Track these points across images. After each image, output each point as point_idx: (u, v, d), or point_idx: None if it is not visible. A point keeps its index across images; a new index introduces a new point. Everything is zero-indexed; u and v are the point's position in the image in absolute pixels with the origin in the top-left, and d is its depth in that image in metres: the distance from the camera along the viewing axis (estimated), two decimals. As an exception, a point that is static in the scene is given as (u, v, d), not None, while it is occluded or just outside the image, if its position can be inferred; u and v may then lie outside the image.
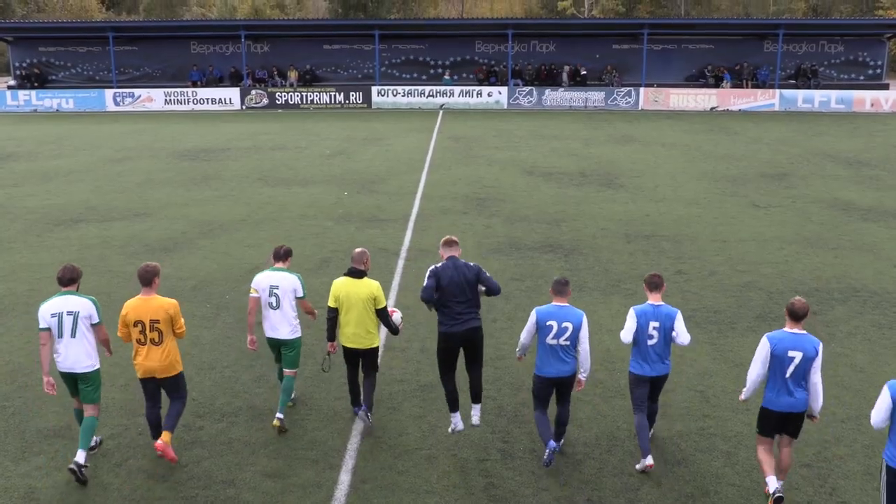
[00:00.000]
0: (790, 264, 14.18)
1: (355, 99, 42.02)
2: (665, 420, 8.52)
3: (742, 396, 7.29)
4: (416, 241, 15.75)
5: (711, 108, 40.89)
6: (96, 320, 7.65)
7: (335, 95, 42.06)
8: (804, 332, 6.97)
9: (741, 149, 27.84)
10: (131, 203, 19.31)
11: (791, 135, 31.61)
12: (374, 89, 42.11)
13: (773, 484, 6.91)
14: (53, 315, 7.56)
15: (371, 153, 26.71)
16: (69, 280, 7.68)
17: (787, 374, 6.92)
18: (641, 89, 41.40)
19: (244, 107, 41.92)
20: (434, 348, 10.16)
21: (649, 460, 7.47)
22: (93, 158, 26.17)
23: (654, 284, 7.78)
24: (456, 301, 7.88)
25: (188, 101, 42.02)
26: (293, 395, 8.85)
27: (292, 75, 43.43)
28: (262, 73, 43.84)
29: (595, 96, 41.57)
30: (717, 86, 42.43)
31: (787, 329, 6.99)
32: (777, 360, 6.92)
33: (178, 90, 42.24)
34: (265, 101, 41.98)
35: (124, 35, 44.67)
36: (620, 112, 40.07)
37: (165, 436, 7.65)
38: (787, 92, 41.02)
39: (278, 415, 8.38)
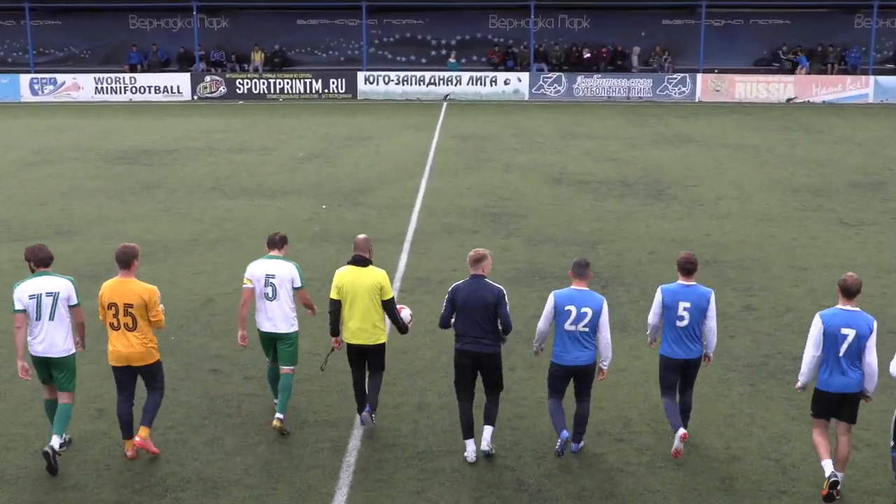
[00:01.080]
0: (889, 297, 14.18)
1: (337, 87, 42.32)
2: (731, 497, 8.50)
3: (798, 384, 8.66)
4: (413, 267, 15.79)
5: (788, 100, 41.09)
6: (74, 301, 8.98)
7: (311, 83, 42.37)
8: (857, 308, 8.32)
9: (826, 151, 27.93)
10: (52, 218, 19.40)
11: (890, 134, 31.72)
12: (361, 75, 42.42)
13: (828, 468, 8.14)
14: (32, 296, 8.83)
15: (356, 156, 26.85)
16: (47, 259, 9.06)
17: (841, 353, 8.21)
18: (699, 76, 41.64)
19: (196, 97, 42.24)
20: (434, 403, 10.24)
21: (680, 444, 8.84)
22: (3, 161, 26.35)
23: (687, 268, 9.25)
24: (469, 324, 9.04)
25: (125, 90, 42.36)
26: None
27: (257, 58, 43.78)
28: (219, 54, 44.20)
29: (640, 85, 41.80)
30: (794, 71, 42.65)
31: (839, 306, 8.35)
32: (830, 339, 8.22)
33: (113, 76, 42.59)
34: (223, 89, 42.29)
35: (44, 6, 45.04)
36: (672, 104, 40.28)
37: (143, 431, 8.94)
38: (885, 79, 41.23)
39: (278, 415, 9.56)
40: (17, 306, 8.86)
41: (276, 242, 9.92)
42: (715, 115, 36.73)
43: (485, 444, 9.11)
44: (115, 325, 8.89)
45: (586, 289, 9.03)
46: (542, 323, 9.14)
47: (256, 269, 9.77)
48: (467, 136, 30.50)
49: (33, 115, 36.90)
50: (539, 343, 9.34)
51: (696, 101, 41.24)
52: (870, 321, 8.26)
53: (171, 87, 42.41)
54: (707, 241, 17.38)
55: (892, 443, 8.29)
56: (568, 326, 8.89)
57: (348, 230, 18.13)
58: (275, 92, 42.35)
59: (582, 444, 9.29)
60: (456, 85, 42.24)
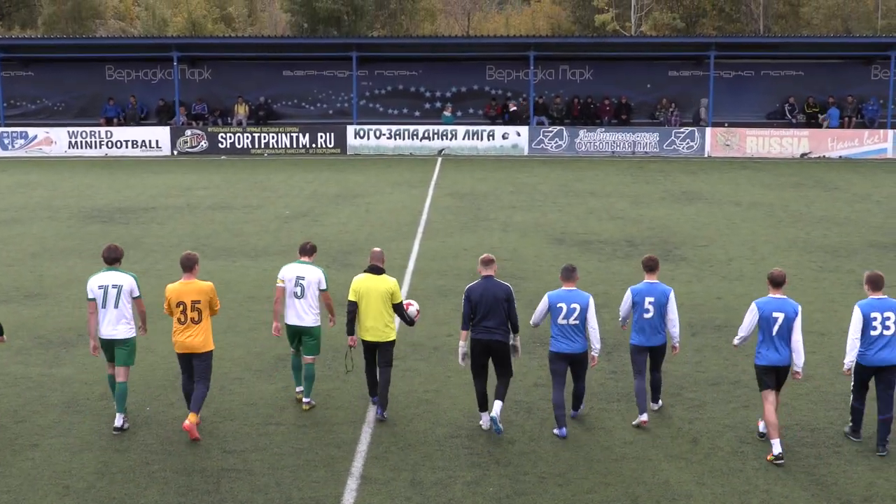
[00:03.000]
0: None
1: (325, 142, 42.64)
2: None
3: (735, 341, 11.73)
4: (406, 331, 15.77)
5: (803, 155, 41.45)
6: (136, 294, 11.79)
7: (298, 137, 42.69)
8: (785, 296, 11.22)
9: (844, 209, 28.13)
10: (21, 280, 19.43)
11: (910, 190, 31.95)
12: (351, 129, 42.77)
13: (777, 448, 10.83)
14: (100, 287, 11.66)
15: (345, 215, 26.98)
16: (114, 259, 11.84)
17: (774, 333, 11.08)
18: (708, 129, 42.05)
19: (176, 152, 42.51)
20: (430, 479, 10.34)
21: (644, 418, 11.76)
22: (-30, 220, 26.38)
23: (650, 266, 12.10)
24: (486, 317, 11.51)
25: (101, 144, 42.65)
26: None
27: (241, 110, 44.14)
28: (201, 107, 44.56)
29: (646, 139, 42.19)
30: (810, 124, 43.05)
31: (770, 295, 11.25)
32: (764, 321, 11.13)
33: (88, 130, 42.91)
34: (204, 144, 42.59)
35: (16, 56, 45.53)
36: (680, 160, 40.61)
37: (192, 417, 11.34)
38: (904, 133, 41.62)
39: (305, 399, 12.30)
40: (89, 295, 11.76)
41: (308, 250, 12.72)
42: (725, 170, 37.02)
43: (494, 411, 11.45)
44: (183, 319, 11.50)
45: (574, 288, 11.74)
46: (536, 316, 11.90)
47: (288, 272, 12.46)
48: (463, 194, 30.69)
49: (2, 171, 37.04)
50: (535, 324, 12.06)
51: (706, 155, 41.58)
52: (795, 306, 11.18)
53: (150, 142, 42.70)
54: (718, 305, 17.43)
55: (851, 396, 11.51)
56: (560, 321, 11.56)
57: (337, 293, 18.10)
58: (259, 147, 42.64)
59: (581, 408, 12.15)
60: (451, 139, 42.58)
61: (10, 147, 42.59)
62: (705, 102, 43.23)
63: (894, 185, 33.07)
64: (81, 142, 42.64)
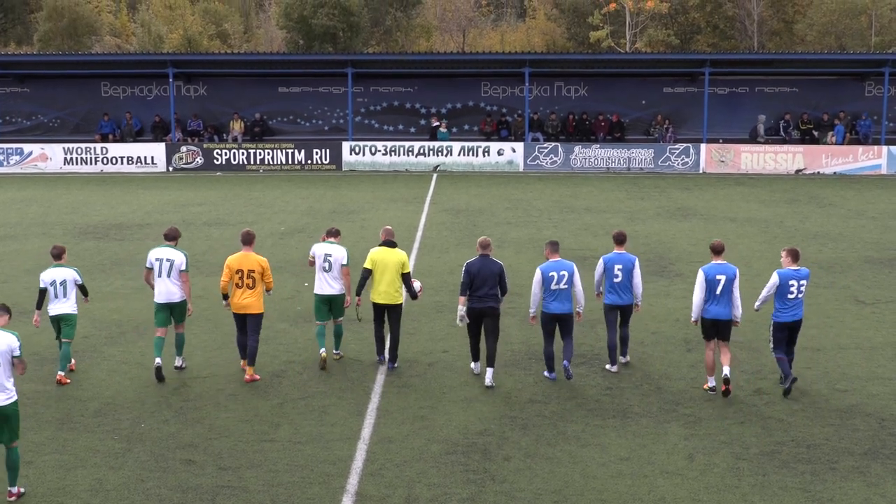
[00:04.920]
0: (909, 381, 14.23)
1: (320, 158, 42.71)
2: None
3: (692, 319, 13.95)
4: (401, 348, 15.77)
5: (797, 171, 41.57)
6: (183, 268, 14.48)
7: (293, 153, 42.76)
8: (725, 262, 13.82)
9: (838, 225, 28.19)
10: (15, 296, 19.38)
11: (905, 206, 32.03)
12: (346, 145, 42.84)
13: (711, 383, 13.77)
14: (157, 259, 14.49)
15: (341, 231, 26.91)
16: (172, 237, 14.77)
17: (717, 292, 13.62)
18: (703, 146, 42.17)
19: (171, 168, 42.57)
20: (425, 496, 10.31)
21: (615, 368, 14.62)
22: (-35, 237, 26.36)
23: (619, 240, 14.84)
24: (480, 287, 14.01)
25: (96, 161, 42.69)
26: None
27: (236, 127, 44.21)
28: (196, 123, 44.64)
29: (641, 155, 42.30)
30: (804, 140, 43.19)
31: (713, 262, 13.78)
32: (709, 283, 13.63)
33: (83, 146, 42.96)
34: (199, 160, 42.64)
35: (11, 72, 45.62)
36: (675, 176, 40.71)
37: (249, 369, 14.20)
38: (898, 149, 41.80)
39: (336, 351, 15.23)
40: (148, 264, 14.68)
41: (333, 233, 15.31)
42: (720, 186, 37.11)
43: (487, 381, 13.90)
44: (240, 284, 14.20)
45: (561, 259, 14.22)
46: (536, 288, 14.11)
47: (319, 249, 15.02)
48: (459, 210, 30.72)
49: (-3, 188, 37.04)
50: (535, 307, 14.20)
51: (701, 172, 41.70)
52: (734, 269, 13.73)
53: (145, 158, 42.74)
54: (714, 321, 17.42)
55: (770, 346, 13.94)
56: (553, 287, 13.97)
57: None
58: (255, 163, 42.70)
59: (571, 359, 14.12)
60: (447, 155, 42.68)
61: (5, 163, 42.61)
62: (763, 119, 43.47)
63: (889, 202, 33.17)
64: (77, 158, 42.68)
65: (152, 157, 42.67)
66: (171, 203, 32.47)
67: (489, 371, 13.94)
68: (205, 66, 46.27)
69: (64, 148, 42.83)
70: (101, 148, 42.79)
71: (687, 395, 13.61)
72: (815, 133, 43.14)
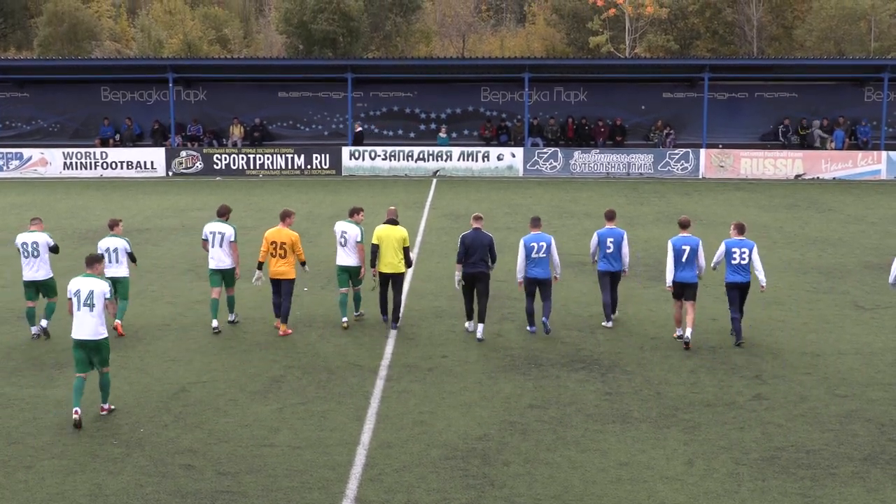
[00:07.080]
0: (908, 387, 14.22)
1: (320, 163, 42.74)
2: None
3: (667, 285, 16.35)
4: (400, 353, 15.79)
5: (797, 176, 41.60)
6: (232, 239, 17.16)
7: (293, 158, 42.79)
8: (690, 234, 16.45)
9: (838, 230, 28.19)
10: (13, 301, 19.38)
11: (904, 212, 32.04)
12: (346, 150, 42.87)
13: (679, 332, 16.50)
14: (211, 232, 17.16)
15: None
16: (223, 213, 17.43)
17: (683, 260, 16.19)
18: (702, 151, 42.20)
19: (171, 173, 42.58)
20: (425, 501, 10.25)
21: (610, 324, 17.41)
22: (-36, 241, 26.33)
23: (610, 216, 17.70)
24: (473, 255, 16.41)
25: (96, 166, 42.72)
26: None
27: (236, 132, 44.24)
28: (196, 128, 44.66)
29: (640, 160, 42.32)
30: (803, 145, 43.20)
31: (681, 234, 16.39)
32: (677, 252, 16.20)
33: (83, 150, 43.00)
34: (199, 165, 42.65)
35: (11, 77, 45.66)
36: (675, 181, 40.72)
37: (283, 326, 16.93)
38: (898, 155, 41.82)
39: (356, 312, 17.88)
40: (203, 236, 17.45)
41: (352, 213, 17.69)
42: (719, 192, 37.13)
43: (479, 335, 16.45)
44: (274, 254, 16.73)
45: (541, 232, 16.71)
46: (521, 260, 16.59)
47: (337, 227, 17.55)
48: (458, 215, 30.71)
49: (-3, 192, 37.03)
50: (521, 274, 16.64)
51: (700, 177, 41.73)
52: (697, 241, 16.44)
53: (145, 163, 42.77)
54: (713, 327, 17.43)
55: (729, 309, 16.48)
56: (534, 255, 16.49)
57: (332, 314, 18.14)
58: (254, 168, 42.72)
59: (549, 315, 16.72)
60: (446, 160, 42.71)
61: (4, 168, 42.64)
62: (817, 124, 43.44)
63: (888, 207, 33.17)
64: (76, 163, 42.71)
65: (152, 162, 42.69)
66: (170, 208, 32.47)
67: (480, 326, 16.49)
68: (205, 70, 46.38)
69: (63, 153, 42.87)
70: (101, 153, 42.83)
71: (686, 400, 13.59)
72: (803, 133, 43.31)
